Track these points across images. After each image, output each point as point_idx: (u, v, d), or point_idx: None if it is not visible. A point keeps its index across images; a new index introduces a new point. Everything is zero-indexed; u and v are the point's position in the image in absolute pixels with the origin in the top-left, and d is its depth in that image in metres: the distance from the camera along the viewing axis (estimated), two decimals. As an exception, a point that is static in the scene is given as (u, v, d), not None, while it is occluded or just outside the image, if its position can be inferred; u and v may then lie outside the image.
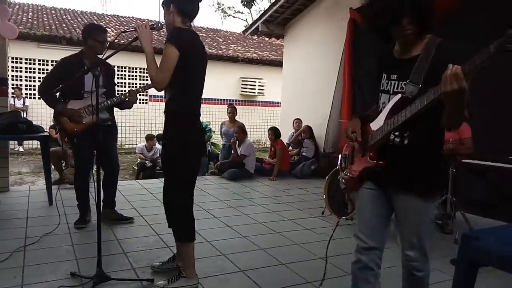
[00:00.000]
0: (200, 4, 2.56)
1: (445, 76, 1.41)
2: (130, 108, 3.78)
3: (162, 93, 2.49)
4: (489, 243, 1.50)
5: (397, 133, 1.75)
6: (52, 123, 5.48)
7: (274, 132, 6.96)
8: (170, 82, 2.36)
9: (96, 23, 5.32)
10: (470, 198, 4.26)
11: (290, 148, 7.56)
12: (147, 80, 12.36)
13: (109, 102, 3.56)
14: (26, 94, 11.26)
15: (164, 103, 2.56)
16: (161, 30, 2.58)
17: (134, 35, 2.49)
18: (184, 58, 2.34)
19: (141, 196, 5.05)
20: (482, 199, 4.32)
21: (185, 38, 2.39)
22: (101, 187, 2.76)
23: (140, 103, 12.56)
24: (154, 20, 16.08)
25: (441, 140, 1.84)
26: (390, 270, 3.06)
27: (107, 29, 14.59)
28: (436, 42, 1.70)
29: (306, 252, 3.35)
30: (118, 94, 3.80)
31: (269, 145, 7.59)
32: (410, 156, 1.73)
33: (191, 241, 2.62)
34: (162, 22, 2.58)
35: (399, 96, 1.74)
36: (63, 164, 5.85)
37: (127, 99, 3.63)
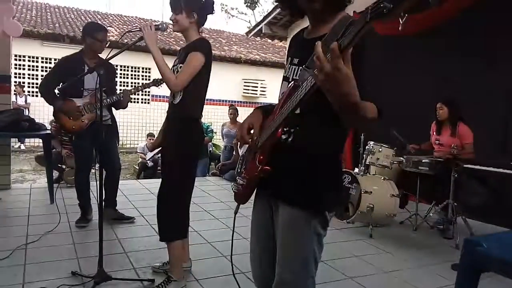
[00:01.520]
0: None
1: (316, 57, 1.00)
2: (124, 108, 3.79)
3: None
4: (492, 249, 1.51)
5: (286, 129, 1.38)
6: (50, 126, 5.42)
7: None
8: (188, 86, 2.46)
9: (95, 22, 5.33)
10: (472, 203, 4.26)
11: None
12: (149, 79, 12.37)
13: (111, 99, 3.57)
14: (29, 92, 11.29)
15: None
16: (165, 31, 2.59)
17: (139, 35, 2.49)
18: (205, 66, 2.48)
19: (142, 196, 5.05)
20: (484, 205, 4.32)
21: (210, 50, 2.54)
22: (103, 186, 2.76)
23: (141, 102, 12.57)
24: (158, 20, 15.99)
25: (337, 143, 1.44)
26: (394, 274, 3.07)
27: (110, 28, 14.47)
28: (349, 21, 1.27)
29: (307, 254, 3.35)
30: (118, 93, 3.81)
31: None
32: (294, 157, 1.37)
33: (173, 241, 2.62)
34: (167, 22, 2.59)
35: (291, 84, 1.37)
36: (63, 166, 5.80)
37: (120, 99, 3.63)
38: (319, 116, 1.28)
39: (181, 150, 2.54)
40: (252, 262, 1.63)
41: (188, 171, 2.61)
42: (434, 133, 4.47)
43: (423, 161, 3.97)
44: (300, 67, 1.39)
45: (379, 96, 1.26)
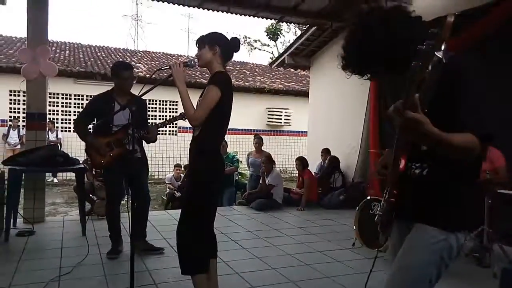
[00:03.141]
0: None
1: (387, 114, 1.30)
2: (153, 141, 3.86)
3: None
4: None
5: (418, 164, 1.52)
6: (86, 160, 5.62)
7: (302, 162, 6.95)
8: (206, 119, 2.50)
9: (122, 61, 5.56)
10: (508, 229, 4.09)
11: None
12: (176, 112, 12.67)
13: (139, 134, 3.68)
14: (62, 127, 11.75)
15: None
16: (193, 67, 2.70)
17: (168, 72, 2.61)
18: (223, 99, 2.51)
19: (171, 226, 5.07)
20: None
21: (228, 83, 2.58)
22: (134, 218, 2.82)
23: (169, 134, 12.85)
24: (184, 55, 16.40)
25: (469, 170, 1.50)
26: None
27: (139, 64, 14.89)
28: (451, 61, 1.38)
29: (338, 285, 3.28)
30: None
31: (296, 175, 7.56)
32: (430, 188, 1.49)
33: (194, 274, 2.58)
34: (194, 58, 2.69)
35: None
36: (94, 198, 5.96)
37: (147, 134, 3.74)
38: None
39: (197, 182, 2.59)
40: (390, 282, 1.66)
41: (204, 203, 2.59)
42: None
43: (454, 186, 3.87)
44: None
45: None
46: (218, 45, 2.58)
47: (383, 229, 1.66)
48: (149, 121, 4.14)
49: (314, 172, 7.49)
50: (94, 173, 5.79)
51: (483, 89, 1.39)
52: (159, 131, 3.88)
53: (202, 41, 2.59)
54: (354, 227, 4.29)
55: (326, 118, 8.30)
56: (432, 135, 1.21)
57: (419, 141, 1.27)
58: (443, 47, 1.12)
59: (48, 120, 11.20)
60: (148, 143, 3.92)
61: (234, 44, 2.68)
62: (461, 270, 3.72)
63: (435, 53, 1.11)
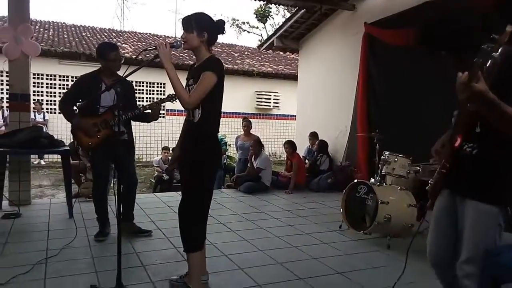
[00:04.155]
0: None
1: (456, 86, 1.57)
2: (155, 119, 3.94)
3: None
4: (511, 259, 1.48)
5: (470, 144, 1.80)
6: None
7: (291, 146, 6.97)
8: (201, 103, 2.53)
9: (107, 42, 5.43)
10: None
11: (306, 161, 7.55)
12: (163, 94, 12.53)
13: (126, 115, 3.64)
14: (47, 109, 11.54)
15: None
16: (179, 48, 2.65)
17: (154, 53, 2.56)
18: (218, 84, 2.55)
19: (159, 209, 5.09)
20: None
21: (222, 68, 2.60)
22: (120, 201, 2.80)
23: (157, 117, 12.74)
24: (171, 37, 16.12)
25: None
26: (414, 285, 3.02)
27: (125, 45, 14.57)
28: (506, 51, 1.59)
29: (324, 267, 3.33)
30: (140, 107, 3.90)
31: (285, 158, 7.59)
32: (480, 165, 1.77)
33: (191, 252, 2.67)
34: (180, 39, 2.64)
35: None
36: (82, 178, 5.96)
37: (150, 110, 3.77)
38: (496, 133, 1.66)
39: (200, 166, 2.60)
40: (433, 246, 2.03)
41: (207, 186, 2.68)
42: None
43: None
44: None
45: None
46: (206, 32, 2.56)
47: (432, 195, 1.95)
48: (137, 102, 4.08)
49: (302, 156, 7.52)
50: (84, 155, 5.75)
51: None
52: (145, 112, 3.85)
53: (189, 25, 2.55)
54: (341, 209, 4.34)
55: (314, 102, 8.30)
56: (492, 99, 1.50)
57: (481, 104, 1.54)
58: (500, 50, 1.47)
59: (36, 100, 11.05)
60: (149, 122, 3.96)
61: (220, 27, 2.66)
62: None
63: (493, 53, 1.46)
